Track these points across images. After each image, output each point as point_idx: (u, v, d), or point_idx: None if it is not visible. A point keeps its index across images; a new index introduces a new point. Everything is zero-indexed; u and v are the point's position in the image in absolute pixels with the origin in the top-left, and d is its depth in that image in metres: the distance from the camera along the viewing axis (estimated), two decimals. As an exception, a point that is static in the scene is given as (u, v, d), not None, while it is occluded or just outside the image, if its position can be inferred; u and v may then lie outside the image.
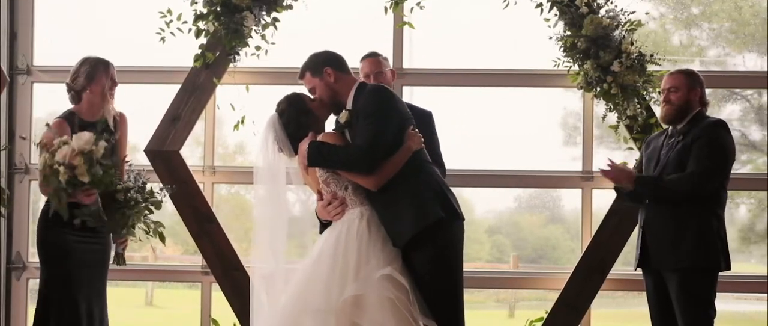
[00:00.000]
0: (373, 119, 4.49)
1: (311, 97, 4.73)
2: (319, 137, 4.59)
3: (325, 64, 4.68)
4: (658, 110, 5.92)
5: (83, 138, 4.89)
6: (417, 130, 4.65)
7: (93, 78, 5.25)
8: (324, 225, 4.78)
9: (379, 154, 4.48)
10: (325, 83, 4.66)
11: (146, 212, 5.15)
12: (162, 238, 5.24)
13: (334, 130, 4.66)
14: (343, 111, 4.64)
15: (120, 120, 5.37)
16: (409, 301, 4.38)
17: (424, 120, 5.39)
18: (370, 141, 4.46)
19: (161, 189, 5.25)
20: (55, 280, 5.14)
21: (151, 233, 5.16)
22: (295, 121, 4.63)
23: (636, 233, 5.32)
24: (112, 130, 5.26)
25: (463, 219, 4.63)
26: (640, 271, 5.28)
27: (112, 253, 5.28)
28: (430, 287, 4.48)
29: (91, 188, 4.93)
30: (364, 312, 4.33)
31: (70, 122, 5.22)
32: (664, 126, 5.33)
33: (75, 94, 5.28)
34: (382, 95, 4.59)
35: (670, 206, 5.01)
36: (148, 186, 5.23)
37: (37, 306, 5.21)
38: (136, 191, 5.13)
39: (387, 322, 4.30)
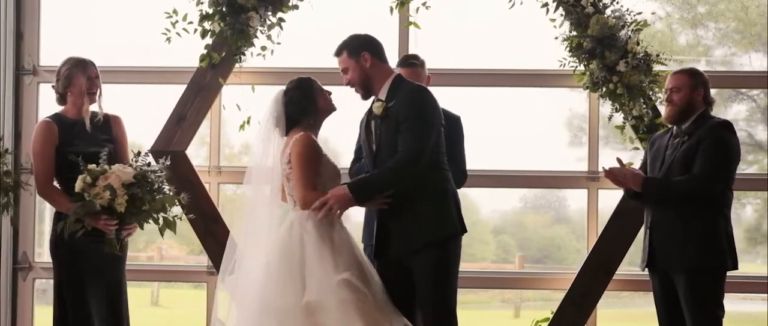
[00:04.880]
0: (415, 123, 4.47)
1: (328, 92, 4.71)
2: (298, 138, 4.54)
3: (364, 48, 4.64)
4: (663, 110, 5.91)
5: (127, 171, 4.96)
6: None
7: (71, 80, 5.30)
8: None
9: (423, 161, 4.47)
10: (361, 66, 4.63)
11: (170, 204, 5.11)
12: (171, 227, 5.14)
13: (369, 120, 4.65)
14: (377, 102, 4.61)
15: (113, 122, 5.40)
16: (375, 303, 4.39)
17: (453, 125, 5.40)
18: (413, 150, 4.45)
19: (170, 190, 5.21)
20: (68, 282, 5.17)
21: (161, 225, 5.10)
22: (297, 103, 4.64)
23: (642, 233, 5.30)
24: (103, 130, 5.30)
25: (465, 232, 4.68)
26: (646, 271, 5.27)
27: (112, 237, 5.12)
28: (426, 291, 4.50)
29: (117, 219, 4.99)
30: (328, 315, 4.34)
31: (58, 121, 5.27)
32: (669, 126, 5.31)
33: (59, 96, 5.35)
34: (424, 98, 4.57)
35: (677, 207, 4.99)
36: (160, 185, 5.18)
37: (55, 307, 5.24)
38: (151, 181, 5.09)
39: (353, 322, 4.31)
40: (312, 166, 4.55)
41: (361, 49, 4.64)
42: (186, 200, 5.13)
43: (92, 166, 5.01)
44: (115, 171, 4.97)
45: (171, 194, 5.13)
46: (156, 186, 5.05)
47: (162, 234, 5.16)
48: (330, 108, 4.72)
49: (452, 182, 4.66)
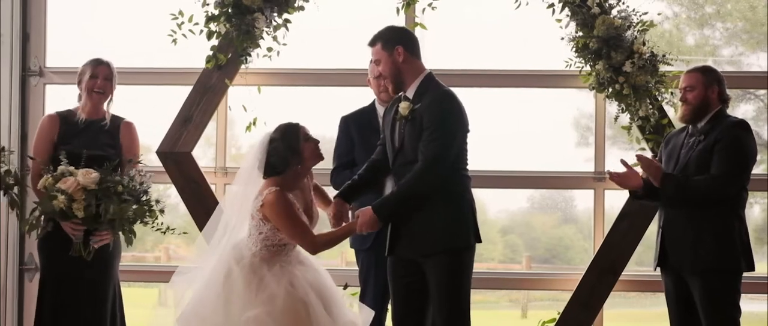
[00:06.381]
0: (439, 133, 4.44)
1: (315, 140, 4.63)
2: (271, 195, 4.45)
3: (398, 42, 4.60)
4: (670, 111, 5.89)
5: (90, 177, 4.95)
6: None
7: (80, 77, 5.37)
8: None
9: (443, 169, 4.45)
10: (393, 60, 4.59)
11: (139, 216, 5.10)
12: (128, 241, 5.16)
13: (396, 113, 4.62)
14: (405, 101, 4.58)
15: (123, 128, 5.40)
16: None
17: None
18: (433, 159, 4.43)
19: (158, 202, 5.20)
20: (48, 281, 5.21)
21: (125, 231, 5.08)
22: (281, 154, 4.55)
23: (650, 233, 5.27)
24: (110, 134, 5.31)
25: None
26: (652, 271, 5.23)
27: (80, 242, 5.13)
28: (439, 296, 4.50)
29: (81, 223, 5.00)
30: None
31: (63, 117, 5.31)
32: (681, 125, 5.27)
33: (78, 95, 5.41)
34: (449, 105, 4.53)
35: (690, 207, 4.95)
36: (147, 196, 5.18)
37: (37, 305, 5.28)
38: (129, 193, 5.07)
39: None
40: (295, 213, 4.49)
41: (395, 43, 4.60)
42: (161, 211, 5.15)
43: (62, 167, 5.01)
44: (77, 175, 4.95)
45: (151, 205, 5.11)
46: (125, 196, 5.01)
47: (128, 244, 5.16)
48: (317, 157, 4.63)
49: (471, 190, 4.63)
